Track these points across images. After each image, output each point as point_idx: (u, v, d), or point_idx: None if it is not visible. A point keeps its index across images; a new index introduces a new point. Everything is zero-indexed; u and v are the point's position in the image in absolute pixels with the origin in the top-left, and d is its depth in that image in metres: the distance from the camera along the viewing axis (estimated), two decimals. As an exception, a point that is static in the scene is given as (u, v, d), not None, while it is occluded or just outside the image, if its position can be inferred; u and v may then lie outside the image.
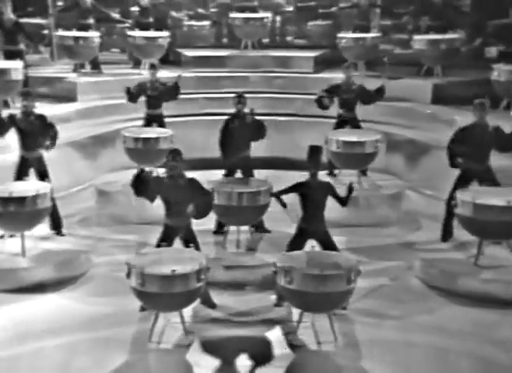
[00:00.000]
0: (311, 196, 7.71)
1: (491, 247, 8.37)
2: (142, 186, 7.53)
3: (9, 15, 11.90)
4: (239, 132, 9.36)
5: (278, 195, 8.05)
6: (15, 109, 9.62)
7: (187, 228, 7.69)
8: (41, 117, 9.06)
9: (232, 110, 9.62)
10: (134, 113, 11.14)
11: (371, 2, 13.37)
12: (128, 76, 12.21)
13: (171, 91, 10.63)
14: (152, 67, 10.72)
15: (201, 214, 7.63)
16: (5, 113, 9.27)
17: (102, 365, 6.60)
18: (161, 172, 10.00)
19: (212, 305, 7.63)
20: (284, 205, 8.05)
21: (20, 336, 7.12)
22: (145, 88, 10.56)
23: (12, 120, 8.98)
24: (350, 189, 7.82)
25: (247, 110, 9.39)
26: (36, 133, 8.96)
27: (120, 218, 9.97)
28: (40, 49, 13.40)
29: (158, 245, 7.65)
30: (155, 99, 10.61)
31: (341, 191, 7.85)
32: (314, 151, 7.80)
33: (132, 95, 10.56)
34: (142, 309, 7.32)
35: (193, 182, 7.61)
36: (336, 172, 10.35)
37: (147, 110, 10.68)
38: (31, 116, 8.99)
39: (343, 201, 7.88)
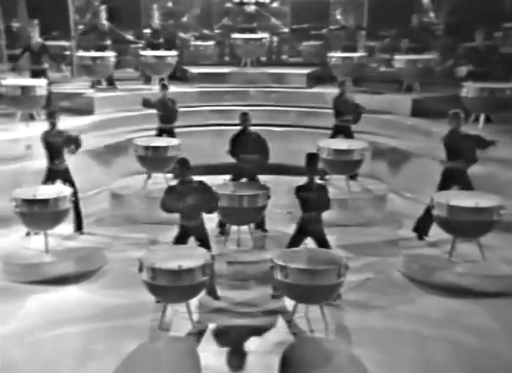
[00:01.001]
0: (309, 198, 7.70)
1: (463, 244, 8.39)
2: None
3: (37, 39, 12.00)
4: (245, 146, 9.36)
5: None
6: (40, 121, 9.63)
7: (199, 227, 7.68)
8: (65, 133, 9.06)
9: (232, 121, 9.69)
10: (144, 125, 11.17)
11: (358, 25, 13.44)
12: (140, 91, 12.23)
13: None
14: (164, 86, 10.75)
15: (209, 210, 7.65)
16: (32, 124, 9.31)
17: (117, 350, 6.64)
18: (169, 177, 10.08)
19: (216, 297, 7.64)
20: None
21: (45, 323, 7.17)
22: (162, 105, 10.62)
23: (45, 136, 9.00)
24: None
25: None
26: (62, 147, 8.98)
27: (132, 219, 9.98)
28: (62, 67, 13.39)
29: (175, 244, 7.64)
30: (167, 115, 10.64)
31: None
32: (312, 158, 7.82)
33: (150, 105, 10.62)
34: (158, 301, 7.28)
35: (202, 184, 7.62)
36: (327, 177, 10.36)
37: (160, 124, 10.69)
38: (56, 132, 9.01)
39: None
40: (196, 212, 7.58)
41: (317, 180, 7.94)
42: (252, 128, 9.53)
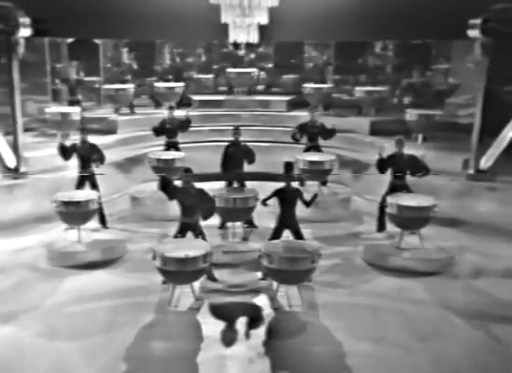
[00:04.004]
0: (287, 198, 7.71)
1: (408, 236, 8.50)
2: (166, 187, 7.56)
3: (73, 75, 12.08)
4: (235, 155, 9.37)
5: (265, 201, 7.89)
6: (74, 140, 9.66)
7: (196, 224, 7.69)
8: (93, 145, 9.09)
9: (227, 138, 9.71)
10: (156, 141, 11.15)
11: (326, 62, 13.50)
12: (153, 115, 12.23)
13: (184, 124, 10.67)
14: (171, 108, 10.79)
15: (206, 215, 7.62)
16: (69, 142, 9.34)
17: (136, 322, 6.68)
18: (177, 183, 10.04)
19: (215, 280, 7.66)
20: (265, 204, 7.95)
21: (78, 299, 7.22)
22: (165, 123, 10.59)
23: (74, 148, 9.01)
24: (314, 196, 7.89)
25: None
26: (90, 156, 9.00)
27: (147, 217, 9.93)
28: (93, 98, 13.33)
29: (175, 237, 7.68)
30: (172, 131, 10.64)
31: (308, 196, 7.93)
32: (289, 165, 7.84)
33: (157, 131, 10.56)
34: (164, 282, 7.34)
35: (201, 190, 7.63)
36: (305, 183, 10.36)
37: (166, 139, 10.69)
38: (86, 144, 9.02)
39: (307, 204, 7.91)
40: (194, 211, 7.56)
41: (295, 185, 7.93)
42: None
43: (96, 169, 9.16)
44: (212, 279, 7.61)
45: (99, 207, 8.70)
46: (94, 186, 9.05)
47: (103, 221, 9.16)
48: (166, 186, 7.59)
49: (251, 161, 9.37)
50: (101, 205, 8.88)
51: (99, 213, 8.95)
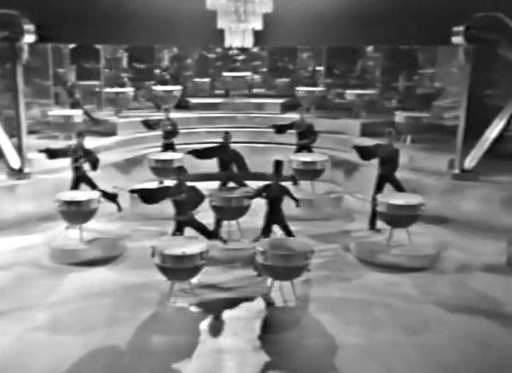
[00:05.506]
0: (274, 195, 7.71)
1: (397, 232, 8.47)
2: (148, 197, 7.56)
3: (72, 80, 12.11)
4: (225, 158, 9.31)
5: (252, 198, 7.95)
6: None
7: (192, 219, 7.63)
8: (87, 150, 8.99)
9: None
10: (154, 143, 11.15)
11: (315, 69, 13.54)
12: (152, 117, 12.18)
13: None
14: (167, 110, 10.83)
15: (194, 208, 7.62)
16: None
17: (137, 316, 6.69)
18: (172, 182, 10.00)
19: (224, 240, 7.88)
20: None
21: (80, 295, 7.20)
22: (163, 125, 10.59)
23: (62, 153, 8.95)
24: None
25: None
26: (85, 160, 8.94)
27: (146, 215, 9.88)
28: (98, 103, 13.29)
29: (173, 235, 7.67)
30: (168, 133, 10.65)
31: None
32: (278, 164, 7.83)
33: (150, 126, 10.64)
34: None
35: (193, 187, 7.61)
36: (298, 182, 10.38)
37: (164, 141, 10.71)
38: (82, 149, 8.94)
39: (295, 200, 7.93)
40: (186, 208, 7.53)
41: (282, 183, 7.89)
42: (239, 145, 9.54)
43: (100, 170, 9.09)
44: (221, 240, 7.75)
45: (102, 194, 8.58)
46: (93, 187, 8.96)
47: (116, 204, 8.95)
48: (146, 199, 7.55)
49: (242, 166, 9.27)
50: (105, 192, 8.70)
51: (108, 198, 8.77)
